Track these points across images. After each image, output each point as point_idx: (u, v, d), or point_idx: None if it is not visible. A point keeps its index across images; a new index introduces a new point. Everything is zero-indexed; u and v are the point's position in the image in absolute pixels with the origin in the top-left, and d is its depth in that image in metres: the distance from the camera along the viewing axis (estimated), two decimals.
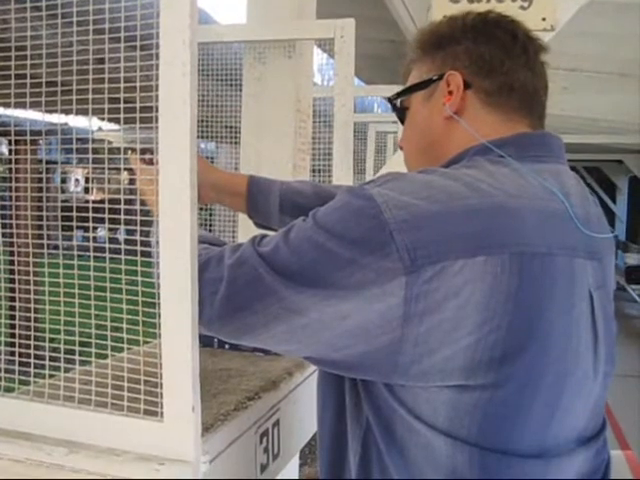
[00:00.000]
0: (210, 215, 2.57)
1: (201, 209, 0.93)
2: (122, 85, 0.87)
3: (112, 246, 0.91)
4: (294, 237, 0.90)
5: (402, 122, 1.16)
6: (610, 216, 13.79)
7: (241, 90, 2.27)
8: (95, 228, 0.94)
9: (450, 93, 1.04)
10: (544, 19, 1.85)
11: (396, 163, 1.93)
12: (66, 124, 0.97)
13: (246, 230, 1.86)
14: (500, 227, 0.85)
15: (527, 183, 0.92)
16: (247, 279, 0.90)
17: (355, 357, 0.89)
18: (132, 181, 1.15)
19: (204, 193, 1.39)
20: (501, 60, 1.02)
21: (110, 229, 0.92)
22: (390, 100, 1.17)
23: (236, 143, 2.37)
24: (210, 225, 2.58)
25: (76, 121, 0.97)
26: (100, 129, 1.01)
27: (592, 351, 0.94)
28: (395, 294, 0.82)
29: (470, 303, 0.82)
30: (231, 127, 2.62)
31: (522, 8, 1.85)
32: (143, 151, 1.01)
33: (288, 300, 0.87)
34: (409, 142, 1.15)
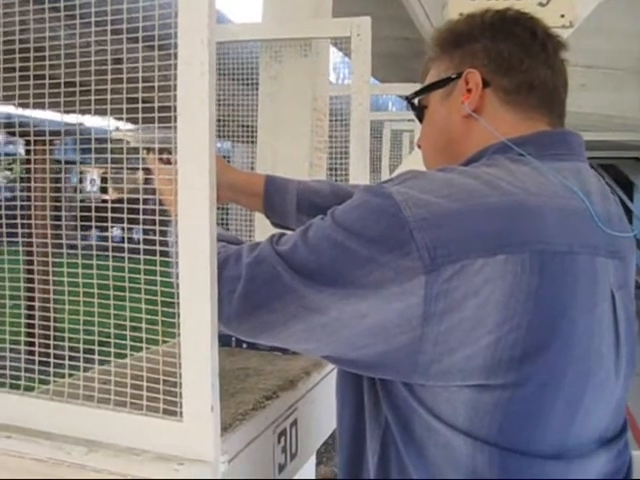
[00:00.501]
0: (226, 214, 2.57)
1: (217, 208, 0.93)
2: (140, 85, 0.87)
3: (130, 246, 0.91)
4: (312, 236, 0.90)
5: (420, 121, 1.15)
6: (628, 214, 13.68)
7: (256, 89, 2.27)
8: (111, 227, 0.94)
9: (469, 91, 1.03)
10: (563, 15, 1.83)
11: (412, 162, 1.93)
12: (82, 124, 0.97)
13: (263, 229, 1.86)
14: (520, 225, 0.85)
15: (547, 181, 0.92)
16: (265, 277, 0.90)
17: (374, 356, 0.88)
18: (149, 181, 1.15)
19: (221, 193, 1.39)
20: (520, 58, 1.01)
21: (126, 229, 0.92)
22: (408, 99, 1.16)
23: (252, 142, 2.37)
24: (226, 224, 2.58)
25: (93, 121, 0.97)
26: (117, 129, 1.00)
27: (614, 351, 0.93)
28: (415, 293, 0.82)
29: (490, 302, 0.81)
30: (247, 126, 2.62)
31: (540, 4, 1.83)
32: (161, 151, 1.01)
33: (307, 299, 0.87)
34: (427, 141, 1.14)
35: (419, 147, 1.17)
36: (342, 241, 0.86)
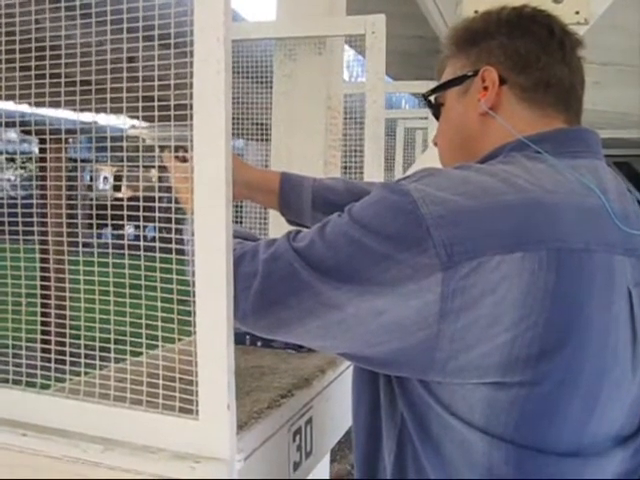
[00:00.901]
0: (240, 211, 2.57)
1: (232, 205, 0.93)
2: (156, 83, 0.87)
3: (145, 244, 0.91)
4: (330, 232, 0.90)
5: (437, 118, 1.16)
6: None
7: (269, 87, 2.27)
8: (125, 225, 0.94)
9: (485, 89, 1.03)
10: (578, 12, 1.82)
11: (426, 160, 1.93)
12: (97, 123, 0.98)
13: (277, 226, 1.86)
14: (537, 223, 0.85)
15: (564, 179, 0.91)
16: (282, 274, 0.90)
17: (390, 353, 0.88)
18: (163, 179, 1.15)
19: (237, 190, 1.39)
20: (537, 55, 1.01)
21: (139, 226, 0.92)
22: (425, 96, 1.16)
23: (265, 140, 2.37)
24: (240, 221, 2.58)
25: (108, 120, 0.97)
26: (134, 127, 1.01)
27: (631, 349, 0.92)
28: (432, 290, 0.82)
29: (507, 299, 0.81)
30: (260, 124, 2.62)
31: (555, 1, 1.82)
32: (176, 149, 1.02)
33: (324, 295, 0.87)
34: (444, 138, 1.14)
35: (435, 145, 1.17)
36: (359, 238, 0.86)
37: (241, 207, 2.57)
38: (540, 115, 1.02)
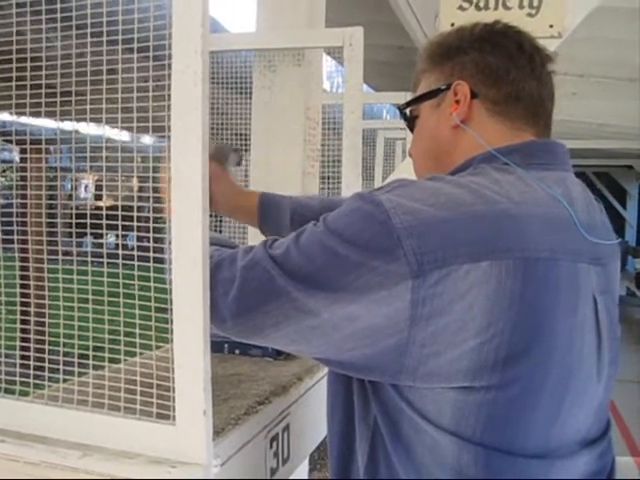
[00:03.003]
0: (220, 221, 2.58)
1: (211, 215, 0.95)
2: (135, 95, 0.88)
3: (124, 252, 0.92)
4: (305, 241, 0.92)
5: (411, 130, 1.18)
6: (620, 221, 13.73)
7: (250, 97, 2.28)
8: (106, 234, 0.95)
9: (457, 102, 1.06)
10: (552, 26, 1.85)
11: (405, 170, 1.94)
12: (77, 132, 0.99)
13: (256, 235, 1.87)
14: (505, 233, 0.87)
15: (532, 190, 0.94)
16: (259, 281, 0.92)
17: (363, 358, 0.90)
18: (143, 188, 1.16)
19: (217, 209, 1.44)
20: (507, 69, 1.04)
21: (118, 235, 0.94)
22: (400, 109, 1.19)
23: (245, 150, 2.38)
24: (220, 230, 2.59)
25: (88, 129, 0.98)
26: (110, 139, 1.02)
27: (596, 354, 0.95)
28: (402, 297, 0.84)
29: (475, 307, 0.84)
30: (240, 134, 2.63)
31: (530, 15, 1.85)
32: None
33: (300, 302, 0.89)
34: (418, 149, 1.17)
35: (410, 156, 1.19)
36: (333, 246, 0.88)
37: (221, 217, 2.58)
38: (510, 128, 1.04)
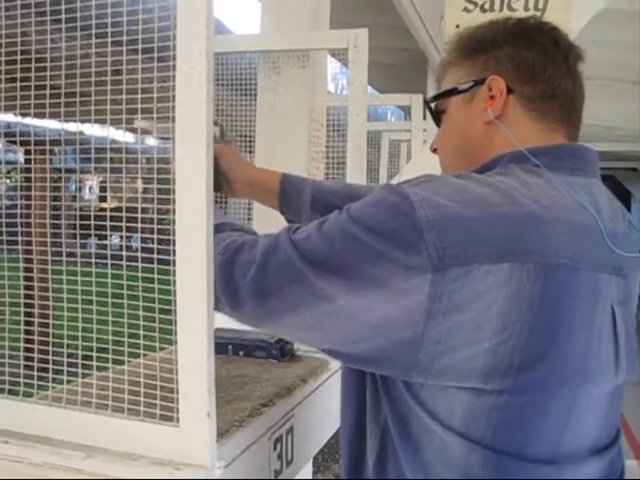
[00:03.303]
0: (225, 203, 2.57)
1: (216, 201, 0.95)
2: (139, 96, 0.88)
3: (128, 254, 0.92)
4: (327, 227, 0.92)
5: (438, 125, 1.16)
6: None
7: (255, 99, 2.28)
8: (110, 236, 0.95)
9: (492, 98, 1.03)
10: None
11: (410, 171, 1.94)
12: (82, 133, 0.99)
13: (261, 221, 1.88)
14: (528, 236, 0.86)
15: (559, 195, 0.93)
16: (279, 264, 0.92)
17: (375, 350, 0.90)
18: (147, 189, 1.16)
19: (237, 188, 1.43)
20: (543, 66, 1.02)
21: (122, 236, 0.94)
22: (427, 102, 1.17)
23: (250, 152, 2.38)
24: (224, 213, 2.58)
25: (92, 130, 0.98)
26: (115, 141, 1.02)
27: (613, 364, 0.94)
28: (420, 290, 0.83)
29: (493, 308, 0.83)
30: (245, 136, 2.63)
31: (534, 18, 1.85)
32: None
33: (317, 287, 0.89)
34: (446, 145, 1.15)
35: (434, 151, 1.18)
36: (355, 234, 0.88)
37: (226, 200, 2.57)
38: (544, 128, 1.03)
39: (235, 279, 0.93)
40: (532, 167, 0.97)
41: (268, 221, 1.52)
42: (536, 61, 1.02)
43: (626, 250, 0.96)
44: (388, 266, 0.85)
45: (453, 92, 1.10)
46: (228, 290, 0.90)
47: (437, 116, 1.16)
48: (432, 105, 1.16)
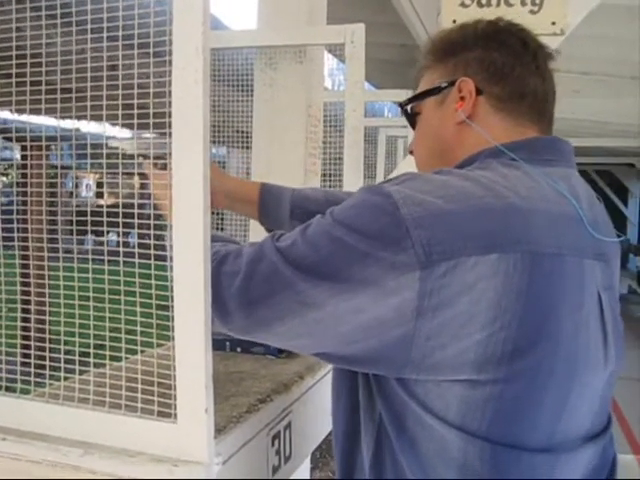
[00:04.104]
0: (222, 219, 2.58)
1: (212, 213, 0.95)
2: (135, 91, 0.88)
3: (125, 250, 0.92)
4: (312, 232, 0.92)
5: (413, 127, 1.18)
6: (622, 219, 13.72)
7: (251, 94, 2.28)
8: (107, 232, 0.95)
9: (462, 99, 1.06)
10: (554, 23, 1.85)
11: (406, 167, 1.94)
12: (78, 130, 0.98)
13: (258, 235, 1.87)
14: (513, 226, 0.87)
15: (538, 186, 0.94)
16: (265, 273, 0.92)
17: (368, 351, 0.90)
18: (144, 186, 1.16)
19: (216, 200, 1.42)
20: (512, 67, 1.04)
21: (120, 233, 0.93)
22: (401, 105, 1.18)
23: (247, 147, 2.38)
24: (222, 229, 2.59)
25: (89, 127, 0.98)
26: (114, 137, 1.01)
27: (602, 349, 0.95)
28: (410, 288, 0.84)
29: (482, 299, 0.84)
30: (242, 132, 2.63)
31: (532, 12, 1.85)
32: (156, 157, 1.03)
33: (304, 294, 0.89)
34: (421, 147, 1.16)
35: (411, 153, 1.19)
36: (340, 237, 0.88)
37: (222, 215, 2.58)
38: (514, 124, 1.04)
39: (221, 291, 0.93)
40: (510, 161, 0.98)
41: (264, 233, 1.51)
42: (505, 62, 1.05)
43: (605, 236, 0.98)
44: (375, 267, 0.85)
45: (426, 94, 1.13)
46: (214, 302, 0.89)
47: (412, 119, 1.18)
48: (407, 108, 1.17)
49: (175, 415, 0.88)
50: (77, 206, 1.03)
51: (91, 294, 0.95)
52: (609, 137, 8.22)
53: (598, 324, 0.95)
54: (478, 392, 0.87)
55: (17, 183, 1.13)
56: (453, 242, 0.84)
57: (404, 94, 3.80)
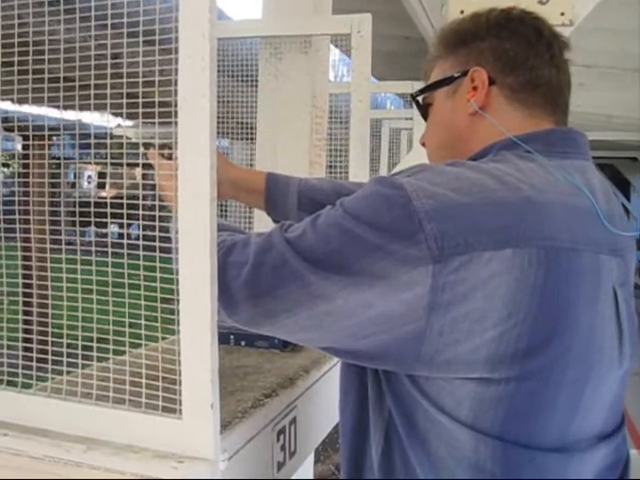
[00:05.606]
0: (225, 210, 2.56)
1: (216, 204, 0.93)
2: (140, 80, 0.86)
3: (128, 242, 0.90)
4: (322, 223, 0.90)
5: (425, 118, 1.16)
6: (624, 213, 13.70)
7: (254, 86, 2.26)
8: (109, 224, 0.93)
9: (474, 89, 1.04)
10: (563, 14, 1.83)
11: (411, 160, 1.92)
12: (80, 120, 0.97)
13: (262, 226, 1.86)
14: (528, 221, 0.85)
15: (554, 178, 0.92)
16: (273, 263, 0.90)
17: (377, 346, 0.88)
18: (147, 177, 1.14)
19: (222, 190, 1.39)
20: (525, 56, 1.02)
21: (123, 225, 0.92)
22: (413, 96, 1.17)
23: (250, 139, 2.37)
24: (225, 218, 2.57)
25: (92, 117, 0.96)
26: (119, 125, 1.00)
27: (617, 347, 0.94)
28: (422, 282, 0.82)
29: (496, 295, 0.82)
30: (245, 123, 2.61)
31: (541, 3, 1.83)
32: (161, 146, 1.01)
33: (314, 286, 0.87)
34: (433, 138, 1.15)
35: (423, 145, 1.17)
36: (351, 229, 0.86)
37: (226, 207, 2.56)
38: (528, 115, 1.03)
39: (227, 281, 0.91)
40: (524, 153, 0.97)
41: (268, 225, 1.50)
42: (518, 52, 1.03)
43: (621, 231, 0.96)
44: (387, 260, 0.83)
45: (437, 85, 1.11)
46: (220, 293, 0.87)
47: (424, 110, 1.16)
48: (419, 99, 1.16)
49: (180, 410, 0.87)
50: (80, 197, 1.01)
51: (94, 287, 0.93)
52: (612, 131, 8.20)
53: (613, 321, 0.93)
54: (491, 390, 0.85)
55: (19, 174, 1.12)
56: (466, 236, 0.82)
57: (409, 85, 3.79)
